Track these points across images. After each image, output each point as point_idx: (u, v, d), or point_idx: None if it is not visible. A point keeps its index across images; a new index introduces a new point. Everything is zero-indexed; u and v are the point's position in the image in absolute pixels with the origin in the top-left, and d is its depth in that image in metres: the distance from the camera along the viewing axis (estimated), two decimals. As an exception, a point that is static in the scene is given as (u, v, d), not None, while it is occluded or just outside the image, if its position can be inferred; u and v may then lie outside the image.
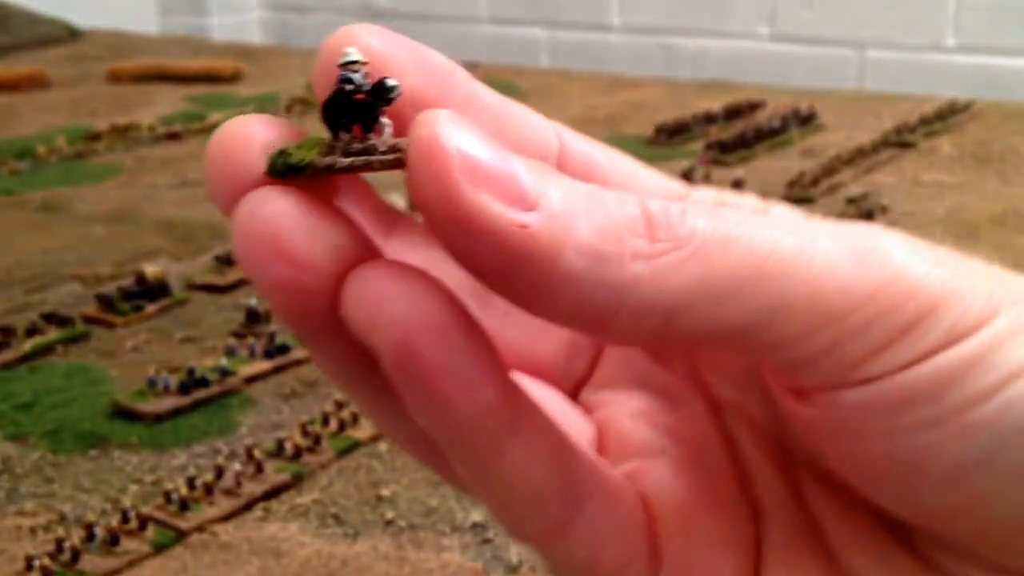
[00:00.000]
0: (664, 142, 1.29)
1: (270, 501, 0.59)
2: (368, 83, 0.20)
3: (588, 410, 0.26)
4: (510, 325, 0.25)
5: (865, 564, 0.22)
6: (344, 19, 2.52)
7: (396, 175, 0.19)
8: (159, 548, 0.55)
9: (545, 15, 2.18)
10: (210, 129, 1.39)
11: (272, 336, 0.75)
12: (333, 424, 0.65)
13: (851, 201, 1.04)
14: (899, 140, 1.27)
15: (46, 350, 0.75)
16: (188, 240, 0.97)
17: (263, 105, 1.42)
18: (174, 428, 0.66)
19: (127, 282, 0.84)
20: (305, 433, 0.64)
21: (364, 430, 0.65)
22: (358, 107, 0.20)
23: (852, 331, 0.19)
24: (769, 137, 1.27)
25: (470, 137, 0.18)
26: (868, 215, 1.00)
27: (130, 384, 0.70)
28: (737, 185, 1.10)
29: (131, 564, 0.54)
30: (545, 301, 0.19)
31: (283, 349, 0.73)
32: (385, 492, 0.59)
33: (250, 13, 2.46)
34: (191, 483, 0.59)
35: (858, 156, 1.20)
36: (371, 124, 0.20)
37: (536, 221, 0.18)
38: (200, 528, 0.56)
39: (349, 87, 0.20)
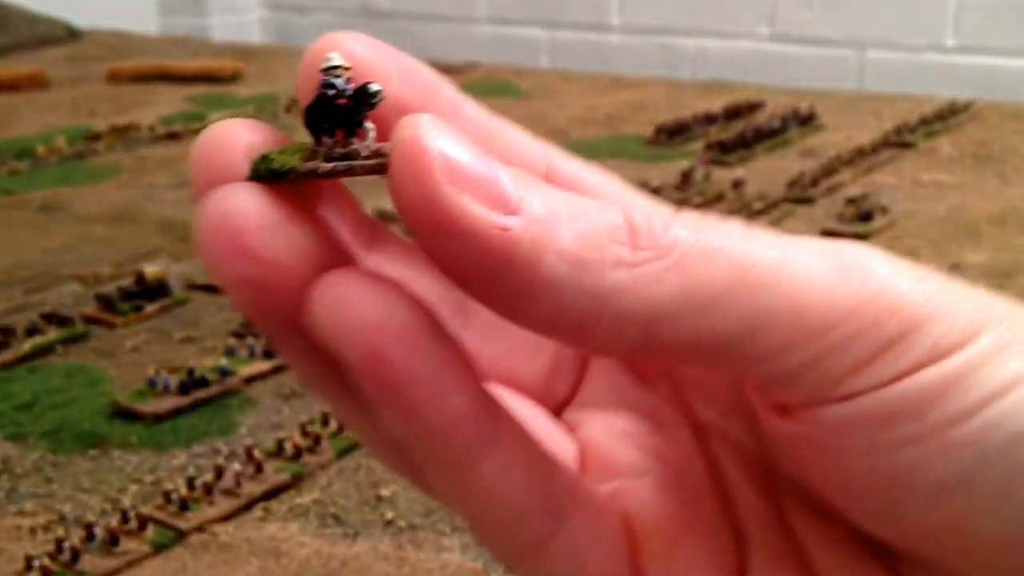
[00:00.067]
0: (664, 142, 1.29)
1: (270, 501, 0.59)
2: (351, 88, 0.20)
3: (571, 429, 0.25)
4: (490, 344, 0.25)
5: None
6: (344, 19, 2.51)
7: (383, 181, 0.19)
8: (159, 548, 0.55)
9: (545, 15, 2.18)
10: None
11: (272, 336, 0.74)
12: (333, 424, 0.65)
13: (851, 201, 1.04)
14: (899, 140, 1.27)
15: (46, 350, 0.75)
16: (188, 240, 0.97)
17: (263, 105, 1.42)
18: (174, 428, 0.66)
19: (127, 282, 0.84)
20: (305, 433, 0.64)
21: (364, 430, 0.65)
22: (340, 112, 0.20)
23: (834, 346, 0.19)
24: (769, 137, 1.27)
25: (452, 141, 0.18)
26: (868, 215, 1.00)
27: (130, 384, 0.70)
28: (737, 185, 1.10)
29: (131, 564, 0.54)
30: (526, 307, 0.19)
31: (283, 349, 0.73)
32: (385, 492, 0.59)
33: (250, 13, 2.46)
34: (191, 483, 0.59)
35: (858, 156, 1.20)
36: (353, 129, 0.20)
37: (517, 225, 0.18)
38: (200, 528, 0.56)
39: (331, 92, 0.20)
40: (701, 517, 0.23)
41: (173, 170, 1.19)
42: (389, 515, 0.57)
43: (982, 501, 0.19)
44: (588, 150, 1.25)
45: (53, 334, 0.77)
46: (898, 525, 0.20)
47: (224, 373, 0.70)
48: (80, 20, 1.94)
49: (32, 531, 0.56)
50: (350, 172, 0.19)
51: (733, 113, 1.39)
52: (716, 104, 1.42)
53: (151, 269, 0.84)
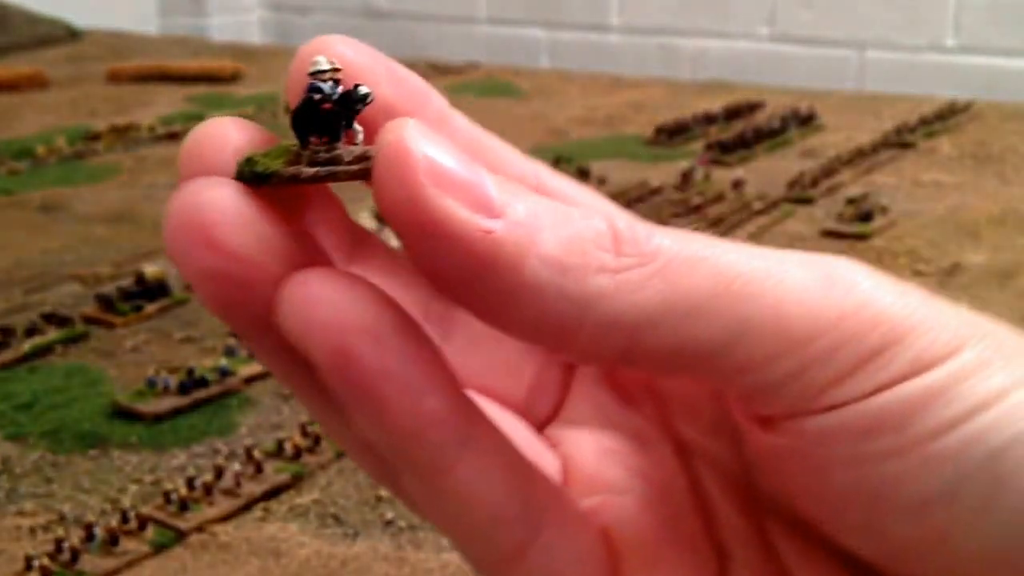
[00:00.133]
0: (664, 142, 1.29)
1: (270, 501, 0.59)
2: (337, 92, 0.20)
3: (552, 445, 0.25)
4: (471, 359, 0.25)
5: None
6: (344, 19, 2.51)
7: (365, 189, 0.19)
8: (158, 548, 0.55)
9: (545, 15, 2.18)
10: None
11: (272, 336, 0.74)
12: (333, 424, 0.65)
13: (851, 201, 1.04)
14: (899, 140, 1.27)
15: (46, 350, 0.75)
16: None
17: (263, 105, 1.42)
18: (173, 428, 0.66)
19: (127, 282, 0.84)
20: (305, 433, 0.64)
21: (364, 430, 0.65)
22: (325, 117, 0.20)
23: (817, 356, 0.19)
24: (769, 137, 1.27)
25: (437, 145, 0.18)
26: (868, 215, 1.00)
27: (130, 384, 0.70)
28: (737, 185, 1.10)
29: (130, 564, 0.54)
30: (509, 311, 0.19)
31: (283, 349, 0.73)
32: (385, 492, 0.59)
33: (250, 13, 2.46)
34: (191, 483, 0.59)
35: (858, 156, 1.20)
36: (338, 134, 0.20)
37: (501, 228, 0.18)
38: (200, 528, 0.56)
39: (317, 96, 0.20)
40: (683, 535, 0.23)
41: (173, 170, 1.19)
42: (389, 515, 0.57)
43: (963, 516, 0.19)
44: (588, 150, 1.25)
45: (53, 334, 0.77)
46: (879, 540, 0.20)
47: (224, 373, 0.70)
48: (80, 20, 1.94)
49: (32, 531, 0.56)
50: (333, 178, 0.19)
51: (733, 113, 1.39)
52: (716, 104, 1.42)
53: (151, 269, 0.84)
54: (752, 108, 1.42)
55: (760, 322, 0.19)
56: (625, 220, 0.19)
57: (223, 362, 0.71)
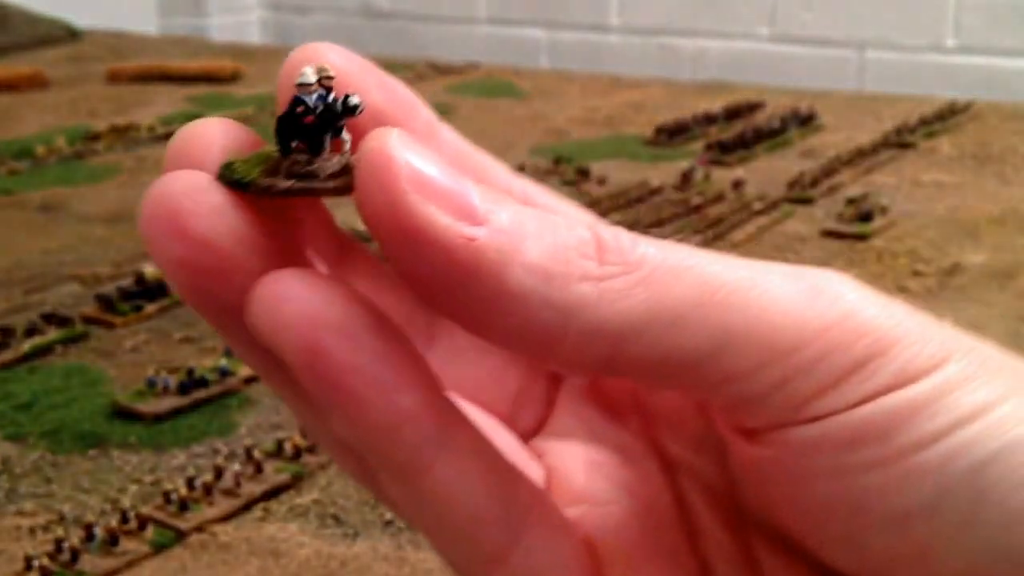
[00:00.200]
0: (664, 143, 1.29)
1: (269, 501, 0.59)
2: (320, 106, 0.19)
3: (536, 456, 0.25)
4: (454, 369, 0.24)
5: None
6: (344, 19, 2.51)
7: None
8: (158, 548, 0.55)
9: (545, 15, 2.18)
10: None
11: (271, 336, 0.74)
12: (332, 424, 0.65)
13: (851, 201, 1.04)
14: (899, 140, 1.27)
15: (45, 350, 0.75)
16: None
17: (262, 105, 1.42)
18: (173, 428, 0.66)
19: (126, 282, 0.84)
20: (305, 433, 0.64)
21: (364, 430, 0.65)
22: (306, 130, 0.19)
23: (801, 367, 0.19)
24: (769, 138, 1.27)
25: (419, 152, 0.18)
26: (868, 215, 1.00)
27: (129, 384, 0.70)
28: (737, 185, 1.10)
29: (130, 564, 0.54)
30: (492, 319, 0.19)
31: (283, 349, 0.73)
32: (384, 492, 0.59)
33: (250, 13, 2.46)
34: (190, 483, 0.59)
35: (858, 156, 1.20)
36: (319, 147, 0.19)
37: (483, 235, 0.18)
38: (199, 528, 0.56)
39: (299, 109, 0.19)
40: (667, 548, 0.23)
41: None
42: (389, 515, 0.57)
43: (945, 529, 0.19)
44: (588, 150, 1.25)
45: (53, 334, 0.77)
46: (861, 553, 0.20)
47: (224, 373, 0.70)
48: (80, 20, 1.94)
49: (32, 531, 0.56)
50: (307, 193, 0.19)
51: (733, 113, 1.39)
52: (716, 104, 1.42)
53: (151, 269, 0.84)
54: (752, 108, 1.42)
55: (744, 332, 0.19)
56: (610, 230, 0.19)
57: (223, 362, 0.71)
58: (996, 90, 1.68)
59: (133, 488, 0.60)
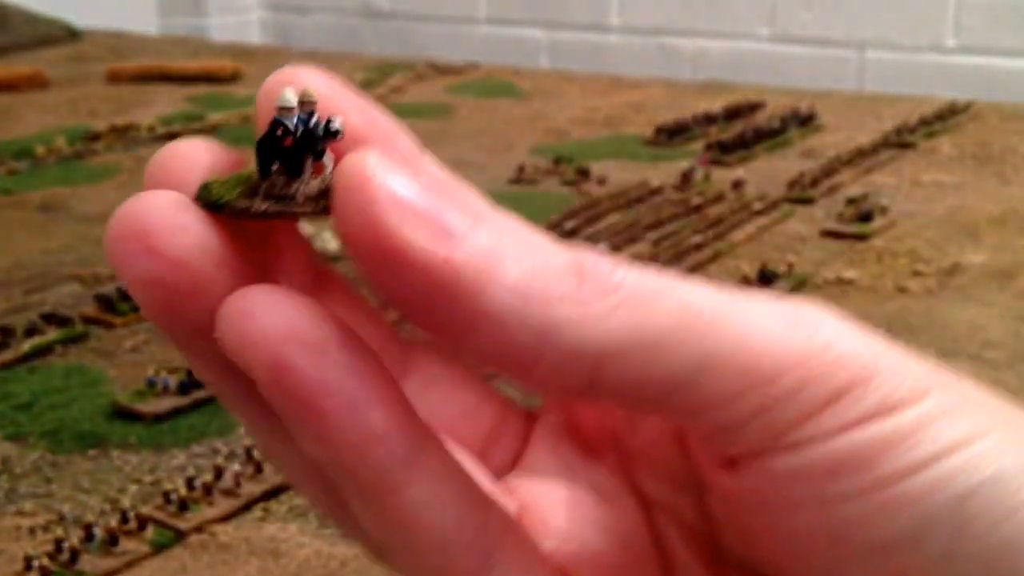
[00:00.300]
0: (664, 143, 1.29)
1: (269, 501, 0.59)
2: (301, 128, 0.19)
3: (510, 492, 0.24)
4: (428, 401, 0.24)
5: None
6: (344, 19, 2.51)
7: None
8: (158, 548, 0.55)
9: (545, 15, 2.18)
10: (210, 130, 1.39)
11: (271, 336, 0.74)
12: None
13: (851, 201, 1.04)
14: (899, 141, 1.27)
15: (45, 350, 0.75)
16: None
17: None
18: (173, 428, 0.66)
19: (126, 282, 0.84)
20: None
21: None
22: (286, 152, 0.19)
23: (781, 395, 0.19)
24: (769, 138, 1.27)
25: (398, 173, 0.18)
26: (868, 215, 1.00)
27: (129, 384, 0.70)
28: (737, 185, 1.10)
29: (130, 564, 0.54)
30: (470, 339, 0.18)
31: (282, 349, 0.73)
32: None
33: (250, 14, 2.46)
34: (190, 483, 0.59)
35: (858, 157, 1.20)
36: (298, 170, 0.19)
37: (461, 255, 0.18)
38: (199, 528, 0.56)
39: (279, 132, 0.19)
40: None
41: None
42: (389, 515, 0.57)
43: (926, 563, 0.19)
44: (588, 150, 1.25)
45: (52, 334, 0.77)
46: None
47: (224, 373, 0.70)
48: (80, 20, 1.94)
49: (31, 531, 0.56)
50: (284, 216, 0.19)
51: (733, 113, 1.39)
52: (716, 104, 1.42)
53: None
54: (752, 108, 1.42)
55: (724, 358, 0.19)
56: (589, 254, 0.19)
57: (223, 362, 0.71)
58: (996, 90, 1.68)
59: (133, 488, 0.60)
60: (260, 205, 0.19)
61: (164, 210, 0.19)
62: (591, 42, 2.14)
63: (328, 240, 1.03)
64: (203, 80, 1.60)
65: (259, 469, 0.60)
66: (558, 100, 1.52)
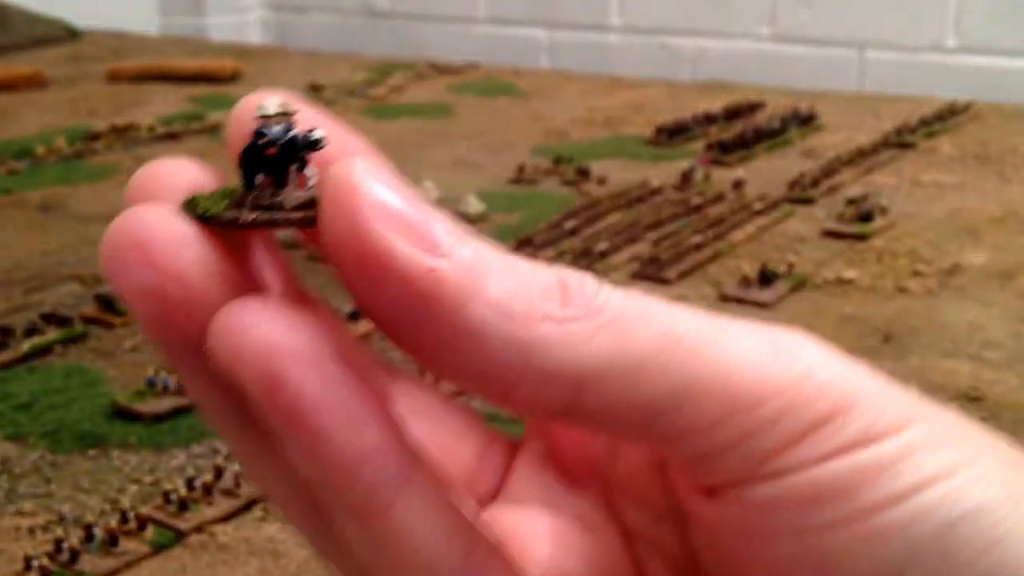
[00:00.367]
0: (664, 143, 1.29)
1: (269, 501, 0.59)
2: (284, 137, 0.19)
3: (492, 523, 0.24)
4: (411, 432, 0.23)
5: None
6: (344, 19, 2.50)
7: None
8: (158, 548, 0.55)
9: (545, 15, 2.18)
10: (210, 129, 1.39)
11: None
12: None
13: (851, 202, 1.04)
14: (899, 141, 1.27)
15: (45, 350, 0.75)
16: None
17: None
18: (173, 428, 0.66)
19: (126, 282, 0.84)
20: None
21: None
22: (269, 161, 0.19)
23: (763, 422, 0.19)
24: (769, 138, 1.27)
25: (385, 181, 0.18)
26: (868, 216, 1.00)
27: (129, 384, 0.70)
28: (737, 185, 1.10)
29: (130, 564, 0.54)
30: (451, 356, 0.18)
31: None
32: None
33: (250, 13, 2.46)
34: (190, 483, 0.59)
35: (858, 157, 1.20)
36: (283, 179, 0.19)
37: (445, 267, 0.18)
38: (199, 528, 0.56)
39: (261, 140, 0.19)
40: None
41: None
42: (389, 515, 0.57)
43: None
44: (588, 150, 1.25)
45: (52, 334, 0.77)
46: None
47: (223, 373, 0.70)
48: (80, 20, 1.94)
49: (31, 531, 0.56)
50: (272, 224, 0.19)
51: (733, 113, 1.39)
52: (716, 104, 1.42)
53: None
54: (752, 108, 1.42)
55: (706, 384, 0.18)
56: (574, 274, 0.19)
57: (223, 362, 0.71)
58: (996, 90, 1.68)
59: (133, 488, 0.60)
60: (247, 215, 0.19)
61: (163, 222, 0.19)
62: (591, 42, 2.14)
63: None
64: (203, 80, 1.60)
65: (259, 469, 0.60)
66: (558, 100, 1.52)
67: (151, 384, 0.69)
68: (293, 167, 0.19)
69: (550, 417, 0.19)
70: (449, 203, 1.04)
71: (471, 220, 1.02)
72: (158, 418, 0.66)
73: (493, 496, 0.25)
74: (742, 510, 0.20)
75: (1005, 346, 0.76)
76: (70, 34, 1.91)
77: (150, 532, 0.55)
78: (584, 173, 1.15)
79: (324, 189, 0.18)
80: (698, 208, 1.04)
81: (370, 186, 0.18)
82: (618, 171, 1.17)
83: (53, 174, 1.18)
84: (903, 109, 1.40)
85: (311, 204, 0.19)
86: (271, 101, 0.19)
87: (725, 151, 1.22)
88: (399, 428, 0.19)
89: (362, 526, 0.20)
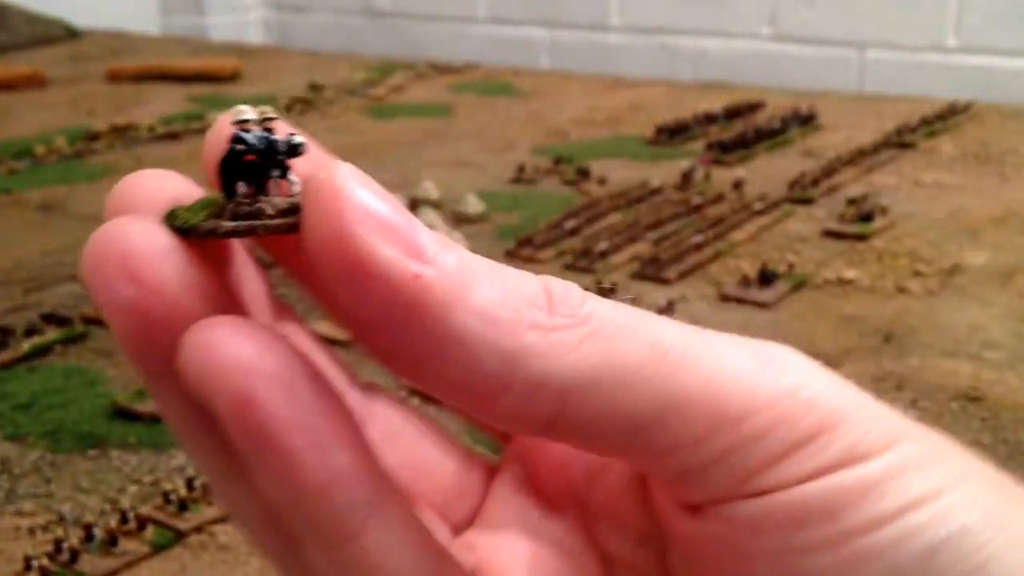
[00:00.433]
0: (664, 142, 1.29)
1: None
2: (262, 143, 0.19)
3: (468, 548, 0.24)
4: (388, 454, 0.23)
5: None
6: (344, 19, 2.50)
7: None
8: (158, 548, 0.55)
9: (545, 15, 2.18)
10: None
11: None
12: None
13: (851, 201, 1.04)
14: (899, 141, 1.27)
15: (45, 350, 0.75)
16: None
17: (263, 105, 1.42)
18: (173, 428, 0.66)
19: (126, 282, 0.84)
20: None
21: (363, 430, 0.65)
22: (248, 168, 0.19)
23: (748, 438, 0.18)
24: (769, 137, 1.27)
25: (369, 186, 0.18)
26: (868, 215, 1.00)
27: (129, 384, 0.70)
28: (737, 185, 1.10)
29: (129, 564, 0.54)
30: (434, 363, 0.18)
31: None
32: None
33: (250, 13, 2.46)
34: (190, 483, 0.59)
35: (858, 157, 1.20)
36: (263, 186, 0.19)
37: (431, 274, 0.17)
38: (199, 529, 0.56)
39: (240, 147, 0.19)
40: None
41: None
42: (388, 516, 0.57)
43: None
44: (588, 150, 1.25)
45: (52, 334, 0.77)
46: None
47: (223, 373, 0.70)
48: (80, 20, 1.94)
49: (31, 531, 0.56)
50: (253, 232, 0.19)
51: (733, 113, 1.39)
52: (716, 104, 1.42)
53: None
54: (752, 108, 1.42)
55: (691, 398, 0.18)
56: (560, 283, 0.19)
57: (222, 362, 0.71)
58: (997, 90, 1.68)
59: (133, 488, 0.60)
60: (227, 224, 0.19)
61: (144, 235, 0.18)
62: (592, 42, 2.14)
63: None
64: (203, 79, 1.60)
65: (259, 469, 0.60)
66: (558, 100, 1.52)
67: (151, 384, 0.69)
68: (275, 174, 0.19)
69: (533, 431, 0.19)
70: (449, 203, 1.04)
71: (471, 220, 1.02)
72: (158, 418, 0.66)
73: (470, 521, 0.24)
74: (724, 529, 0.19)
75: (1005, 346, 0.76)
76: (70, 34, 1.91)
77: (150, 532, 0.55)
78: (584, 173, 1.15)
79: (306, 194, 0.18)
80: (698, 208, 1.04)
81: (353, 190, 0.17)
82: (618, 171, 1.17)
83: (53, 174, 1.18)
84: (903, 109, 1.40)
85: (293, 210, 0.18)
86: (247, 107, 0.19)
87: (725, 151, 1.22)
88: (372, 453, 0.19)
89: (331, 552, 0.19)
